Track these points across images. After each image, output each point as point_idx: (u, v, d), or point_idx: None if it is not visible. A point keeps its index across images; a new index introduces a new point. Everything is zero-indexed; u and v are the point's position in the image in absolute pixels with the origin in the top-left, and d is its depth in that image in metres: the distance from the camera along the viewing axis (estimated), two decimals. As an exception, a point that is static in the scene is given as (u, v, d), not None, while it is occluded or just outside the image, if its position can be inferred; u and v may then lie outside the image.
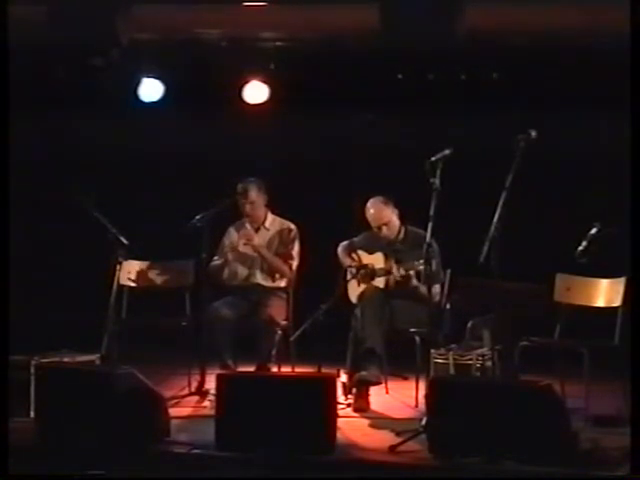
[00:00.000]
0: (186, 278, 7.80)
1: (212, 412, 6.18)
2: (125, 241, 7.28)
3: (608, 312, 6.86)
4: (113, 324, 7.20)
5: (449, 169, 6.30)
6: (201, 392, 7.24)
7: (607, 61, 7.17)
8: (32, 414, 6.45)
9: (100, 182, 8.32)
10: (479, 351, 7.02)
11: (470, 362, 6.99)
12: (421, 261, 6.64)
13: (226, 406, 5.97)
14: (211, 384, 6.64)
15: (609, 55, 7.08)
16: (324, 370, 6.60)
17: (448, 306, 6.86)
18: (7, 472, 5.41)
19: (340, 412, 6.46)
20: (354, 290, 7.38)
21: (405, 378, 7.77)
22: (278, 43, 7.83)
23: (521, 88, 7.75)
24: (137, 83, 8.11)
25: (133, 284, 7.82)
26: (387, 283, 7.25)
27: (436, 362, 7.02)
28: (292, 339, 7.11)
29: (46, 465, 5.72)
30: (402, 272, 7.13)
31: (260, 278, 7.69)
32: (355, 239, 7.60)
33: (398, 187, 7.53)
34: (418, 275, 7.02)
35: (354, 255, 7.50)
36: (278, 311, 7.52)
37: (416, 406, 6.96)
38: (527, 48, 7.53)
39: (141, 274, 7.88)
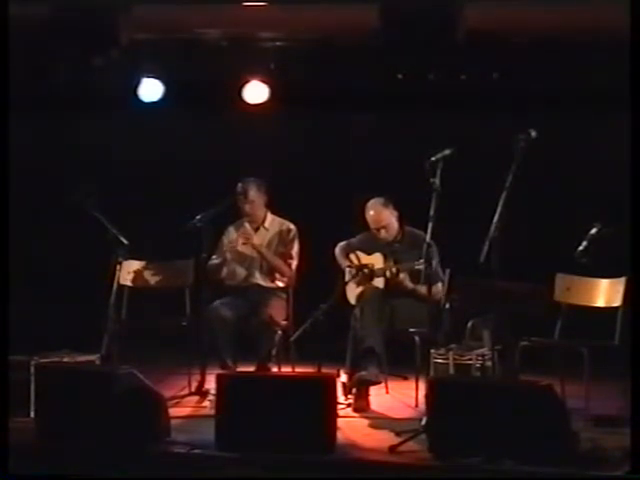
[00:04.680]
0: (186, 278, 7.80)
1: (212, 412, 6.18)
2: (125, 241, 7.28)
3: (608, 312, 6.86)
4: (113, 324, 7.20)
5: (449, 169, 6.30)
6: (201, 392, 7.25)
7: (607, 60, 7.17)
8: (32, 414, 6.44)
9: (100, 182, 8.31)
10: (479, 351, 7.02)
11: (470, 362, 6.99)
12: (421, 260, 6.64)
13: (226, 406, 5.97)
14: (211, 384, 6.64)
15: (609, 54, 7.08)
16: (324, 370, 6.59)
17: (448, 306, 6.86)
18: (7, 472, 5.42)
19: (340, 412, 6.46)
20: (352, 291, 7.38)
21: (405, 378, 7.77)
22: (278, 43, 7.83)
23: (521, 88, 7.75)
24: (137, 83, 8.11)
25: (133, 284, 7.82)
26: (386, 283, 7.26)
27: (436, 362, 7.02)
28: (292, 339, 7.10)
29: (46, 465, 5.72)
30: (393, 270, 7.15)
31: (259, 278, 7.70)
32: (353, 240, 7.60)
33: (398, 187, 7.54)
34: (417, 275, 7.01)
35: (352, 256, 7.50)
36: (278, 311, 7.52)
37: (416, 406, 6.96)
38: (527, 48, 7.53)
39: (141, 274, 7.88)
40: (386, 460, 5.76)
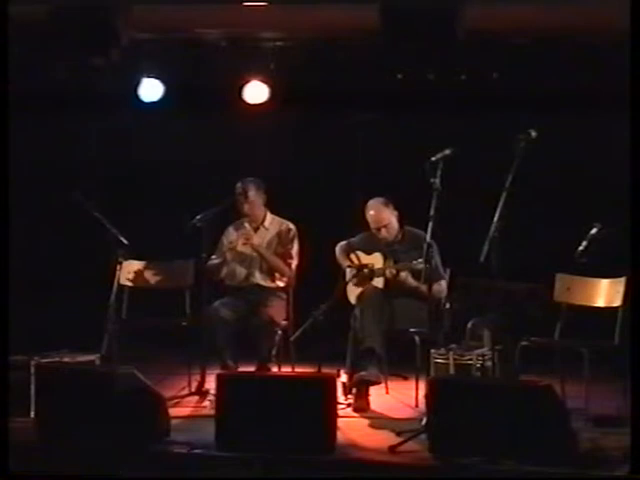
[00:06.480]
0: (186, 278, 7.79)
1: (212, 412, 6.18)
2: (125, 241, 7.29)
3: (608, 312, 6.86)
4: (113, 324, 7.21)
5: (449, 169, 6.31)
6: (201, 392, 7.24)
7: (607, 61, 7.18)
8: (32, 414, 6.45)
9: (100, 182, 8.32)
10: (479, 351, 7.03)
11: (470, 362, 7.00)
12: (420, 260, 6.65)
13: (226, 406, 5.97)
14: (211, 384, 6.64)
15: (609, 55, 7.09)
16: (324, 370, 6.60)
17: (448, 306, 6.85)
18: (7, 472, 5.42)
19: (340, 412, 6.45)
20: (353, 291, 7.38)
21: (405, 378, 7.77)
22: (278, 43, 7.83)
23: (521, 88, 7.75)
24: (137, 83, 8.11)
25: (133, 284, 7.82)
26: (386, 283, 7.26)
27: (436, 362, 7.03)
28: (292, 339, 7.10)
29: (46, 465, 5.72)
30: (393, 271, 7.16)
31: (259, 278, 7.70)
32: (353, 239, 7.61)
33: (398, 187, 7.54)
34: (418, 274, 7.02)
35: (353, 256, 7.50)
36: (278, 311, 7.53)
37: (416, 406, 6.96)
38: (527, 48, 7.54)
39: (141, 274, 7.88)
40: (386, 460, 5.76)
